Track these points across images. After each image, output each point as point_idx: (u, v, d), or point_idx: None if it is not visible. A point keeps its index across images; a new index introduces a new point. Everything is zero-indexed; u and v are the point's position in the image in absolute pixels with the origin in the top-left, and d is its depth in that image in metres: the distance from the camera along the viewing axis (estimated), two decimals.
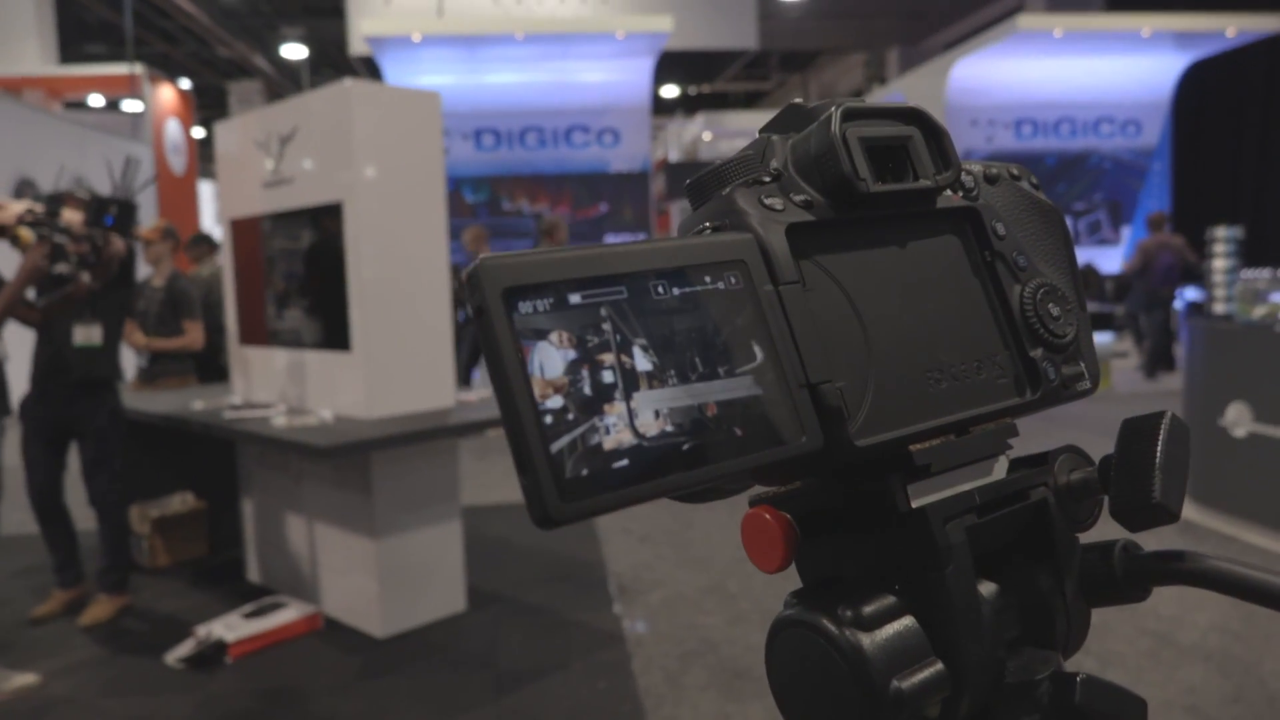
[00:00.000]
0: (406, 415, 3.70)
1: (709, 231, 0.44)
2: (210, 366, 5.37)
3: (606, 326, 0.37)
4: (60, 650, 3.63)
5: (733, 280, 0.41)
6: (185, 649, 3.45)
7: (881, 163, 0.47)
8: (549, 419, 0.34)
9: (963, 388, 0.47)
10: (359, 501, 3.65)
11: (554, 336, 0.36)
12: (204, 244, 6.15)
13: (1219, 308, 5.55)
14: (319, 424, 3.57)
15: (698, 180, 0.47)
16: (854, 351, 0.44)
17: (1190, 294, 9.85)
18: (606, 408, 0.36)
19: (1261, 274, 5.19)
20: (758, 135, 0.50)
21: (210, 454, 4.57)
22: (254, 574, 4.39)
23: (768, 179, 0.46)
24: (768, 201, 0.44)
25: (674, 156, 14.60)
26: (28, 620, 3.85)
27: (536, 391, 0.34)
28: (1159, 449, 0.44)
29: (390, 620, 3.64)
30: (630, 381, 0.36)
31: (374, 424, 3.55)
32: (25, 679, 3.29)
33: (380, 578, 3.61)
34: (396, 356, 3.73)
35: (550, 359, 0.35)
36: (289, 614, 3.70)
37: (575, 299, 0.36)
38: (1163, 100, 12.28)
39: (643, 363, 0.37)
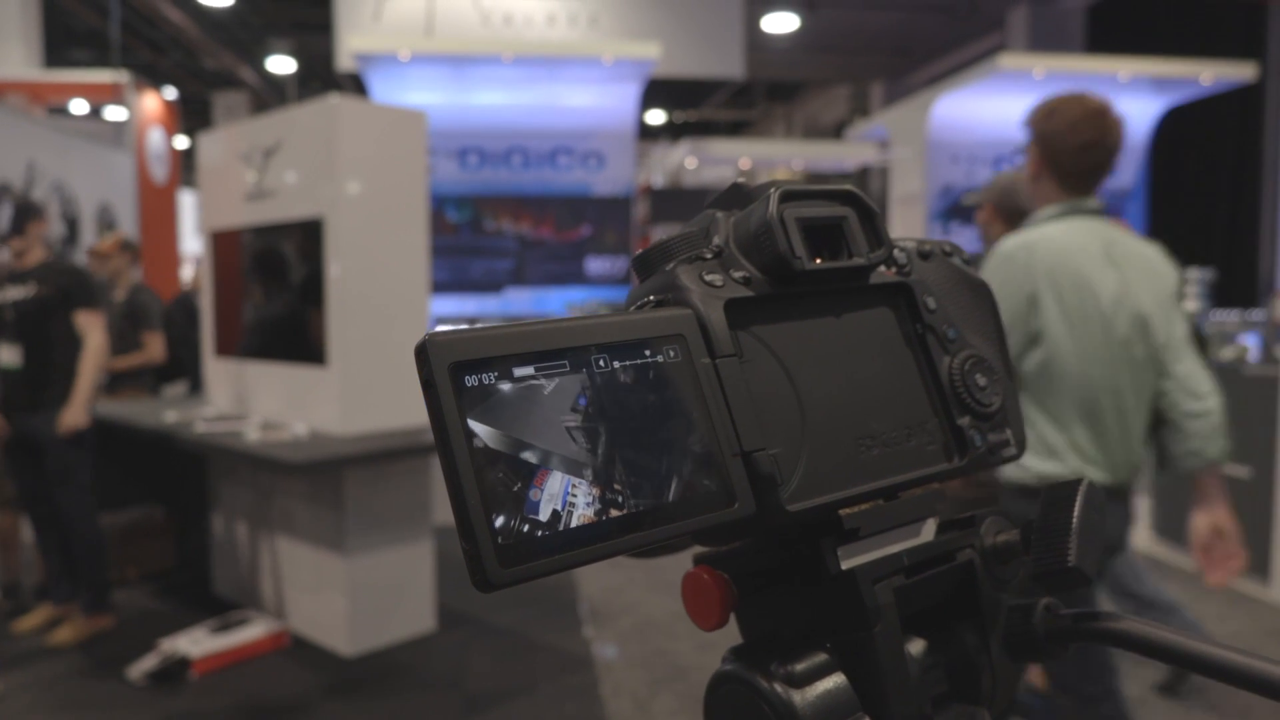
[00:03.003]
0: (381, 432, 3.68)
1: (652, 305, 0.46)
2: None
3: (549, 398, 0.38)
4: (22, 661, 3.57)
5: (672, 354, 0.42)
6: (149, 664, 3.40)
7: (818, 241, 0.49)
8: (490, 488, 0.36)
9: (893, 454, 0.49)
10: (330, 518, 3.63)
11: (499, 408, 0.37)
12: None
13: None
14: (292, 439, 3.55)
15: (644, 255, 0.49)
16: (789, 420, 0.46)
17: None
18: (547, 476, 0.37)
19: (1231, 316, 5.27)
20: (704, 211, 0.52)
21: (179, 465, 4.52)
22: (221, 588, 4.34)
23: (709, 255, 0.48)
24: (708, 278, 0.46)
25: (658, 182, 14.68)
26: (10, 632, 3.78)
27: (479, 461, 0.36)
28: (1075, 515, 0.46)
29: (358, 639, 3.61)
30: (571, 450, 0.38)
31: (348, 440, 3.53)
32: None
33: (349, 595, 3.58)
34: (372, 373, 3.72)
35: (495, 430, 0.37)
36: (255, 630, 3.66)
37: (520, 372, 0.38)
38: (1139, 143, 12.49)
39: (582, 432, 0.39)
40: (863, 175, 16.01)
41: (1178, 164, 12.69)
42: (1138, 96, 11.79)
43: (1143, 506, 5.51)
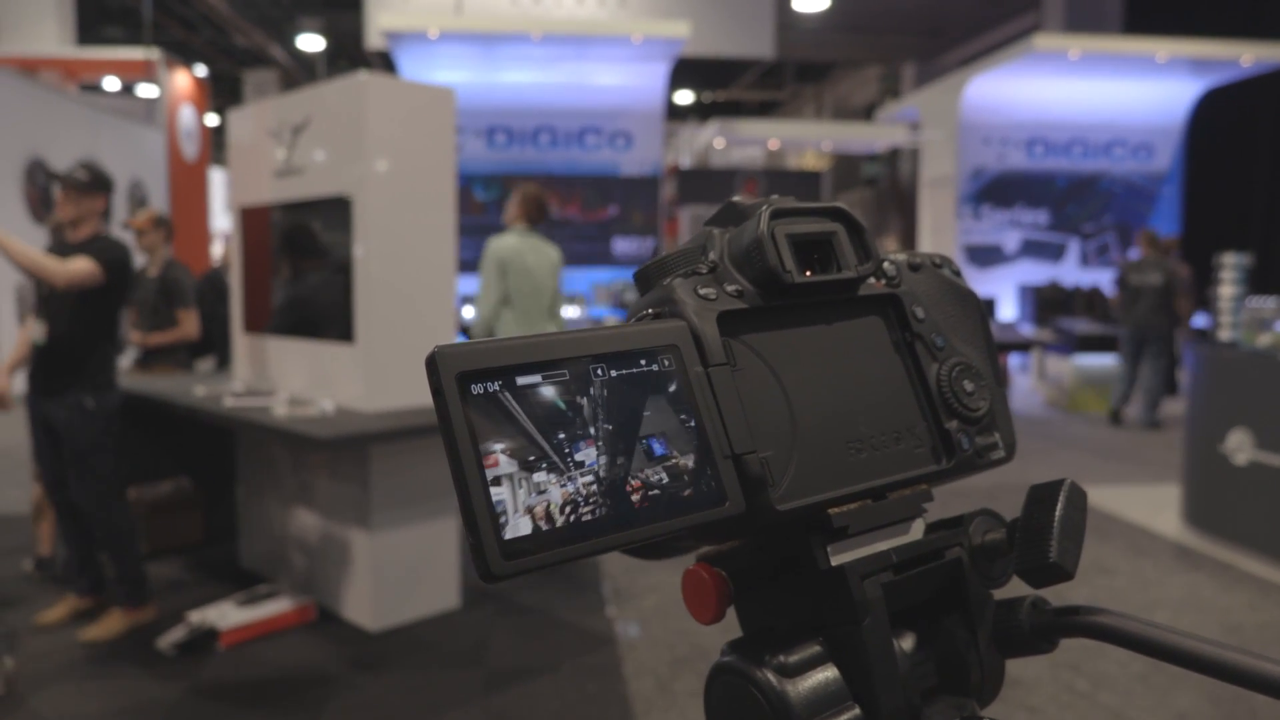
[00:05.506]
0: (407, 409, 3.70)
1: (650, 317, 0.49)
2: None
3: (549, 404, 0.42)
4: (52, 629, 3.63)
5: (666, 363, 0.45)
6: (177, 635, 3.45)
7: (808, 255, 0.52)
8: (495, 486, 0.39)
9: (881, 457, 0.52)
10: (356, 494, 3.65)
11: (503, 414, 0.40)
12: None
13: (1224, 334, 5.54)
14: (319, 415, 3.57)
15: (645, 270, 0.53)
16: (780, 424, 0.49)
17: (1198, 321, 9.81)
18: (548, 476, 0.40)
19: (1268, 302, 5.17)
20: (702, 228, 0.55)
21: (208, 440, 4.57)
22: (248, 562, 4.39)
23: (704, 270, 0.51)
24: (702, 292, 0.49)
25: (686, 162, 14.61)
26: (34, 626, 3.66)
27: (484, 462, 0.39)
28: (1057, 514, 0.48)
29: (383, 614, 3.64)
30: (570, 452, 0.41)
31: (374, 417, 3.55)
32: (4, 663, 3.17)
33: (374, 571, 3.61)
34: (399, 351, 3.74)
35: (499, 434, 0.40)
36: (281, 604, 3.70)
37: (522, 381, 0.41)
38: (1176, 125, 12.27)
39: (582, 436, 0.42)
40: (893, 157, 15.85)
41: (1215, 147, 12.45)
42: (1176, 78, 11.57)
43: (1172, 495, 5.44)
